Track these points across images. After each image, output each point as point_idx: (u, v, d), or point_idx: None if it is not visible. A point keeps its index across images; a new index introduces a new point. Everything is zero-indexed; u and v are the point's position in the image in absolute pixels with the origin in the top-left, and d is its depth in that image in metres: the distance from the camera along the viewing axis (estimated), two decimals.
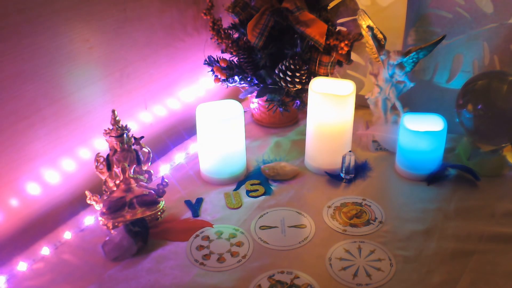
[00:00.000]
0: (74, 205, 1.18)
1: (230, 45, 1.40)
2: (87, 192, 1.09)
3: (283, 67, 1.31)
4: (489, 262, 1.01)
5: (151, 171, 1.15)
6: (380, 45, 1.31)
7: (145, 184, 1.14)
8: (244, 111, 1.25)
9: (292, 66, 1.30)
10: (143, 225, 1.06)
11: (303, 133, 1.34)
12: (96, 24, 1.15)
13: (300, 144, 1.39)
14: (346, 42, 1.35)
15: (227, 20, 1.43)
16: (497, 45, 1.32)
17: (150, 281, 0.98)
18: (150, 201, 1.12)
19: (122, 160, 1.10)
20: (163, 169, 1.31)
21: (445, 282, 0.97)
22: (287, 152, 1.39)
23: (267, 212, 1.16)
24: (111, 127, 1.08)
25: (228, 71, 1.41)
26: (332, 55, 1.36)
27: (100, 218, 1.10)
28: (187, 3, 1.39)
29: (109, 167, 1.10)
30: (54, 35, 1.06)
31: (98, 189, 1.14)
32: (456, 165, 1.27)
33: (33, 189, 1.09)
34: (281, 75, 1.32)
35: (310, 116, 1.27)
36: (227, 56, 1.43)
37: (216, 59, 1.43)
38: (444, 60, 1.39)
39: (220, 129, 1.19)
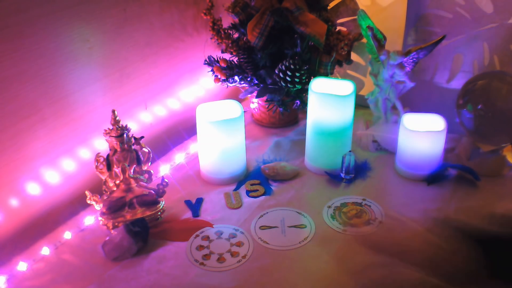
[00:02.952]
0: (74, 205, 1.18)
1: (230, 45, 1.40)
2: (87, 192, 1.09)
3: (283, 67, 1.31)
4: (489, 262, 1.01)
5: (151, 171, 1.15)
6: (380, 45, 1.31)
7: (145, 184, 1.14)
8: (244, 111, 1.25)
9: (292, 66, 1.30)
10: (143, 225, 1.06)
11: (303, 133, 1.34)
12: (96, 24, 1.15)
13: (300, 144, 1.39)
14: (346, 42, 1.35)
15: (227, 20, 1.43)
16: (497, 45, 1.32)
17: (150, 281, 0.98)
18: (150, 201, 1.12)
19: (122, 160, 1.10)
20: (163, 169, 1.31)
21: (445, 282, 0.97)
22: (287, 152, 1.39)
23: (267, 212, 1.16)
24: (111, 127, 1.08)
25: (228, 71, 1.41)
26: (332, 55, 1.36)
27: (100, 218, 1.10)
28: (187, 3, 1.39)
29: (109, 167, 1.10)
30: (54, 35, 1.06)
31: (98, 189, 1.14)
32: (456, 165, 1.27)
33: (33, 189, 1.09)
34: (281, 75, 1.32)
35: (310, 116, 1.27)
36: (227, 56, 1.43)
37: (216, 59, 1.43)
38: (444, 60, 1.39)
39: (220, 129, 1.19)
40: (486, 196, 1.20)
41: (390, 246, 1.05)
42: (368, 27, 1.30)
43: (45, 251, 1.05)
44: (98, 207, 1.10)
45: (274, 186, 1.25)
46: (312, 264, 1.02)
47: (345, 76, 1.58)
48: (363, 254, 1.04)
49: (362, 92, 1.56)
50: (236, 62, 1.42)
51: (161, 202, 1.14)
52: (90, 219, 1.14)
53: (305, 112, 1.29)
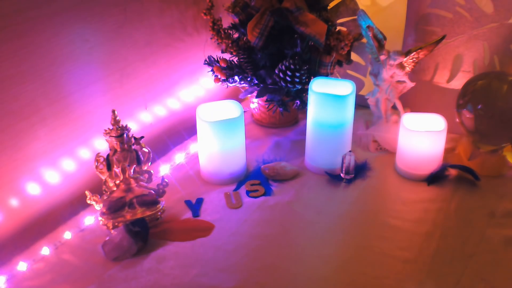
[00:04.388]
0: (74, 205, 1.18)
1: (230, 45, 1.40)
2: (87, 192, 1.09)
3: (283, 67, 1.31)
4: (489, 263, 1.01)
5: (151, 171, 1.15)
6: (380, 45, 1.31)
7: (145, 184, 1.14)
8: (244, 111, 1.25)
9: (292, 66, 1.30)
10: (143, 225, 1.06)
11: (303, 133, 1.34)
12: (96, 24, 1.15)
13: (300, 144, 1.39)
14: (346, 42, 1.35)
15: (227, 20, 1.43)
16: (497, 45, 1.32)
17: (150, 281, 0.98)
18: (150, 201, 1.12)
19: (122, 160, 1.10)
20: (163, 169, 1.31)
21: (445, 282, 0.97)
22: (287, 152, 1.39)
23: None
24: (111, 127, 1.08)
25: (228, 71, 1.41)
26: (332, 55, 1.36)
27: (100, 218, 1.10)
28: (187, 3, 1.39)
29: (109, 167, 1.10)
30: (54, 35, 1.06)
31: (98, 189, 1.14)
32: (456, 165, 1.27)
33: (33, 189, 1.09)
34: (281, 75, 1.32)
35: (310, 116, 1.27)
36: (227, 56, 1.43)
37: (216, 59, 1.43)
38: (444, 60, 1.39)
39: (220, 129, 1.19)
40: (486, 196, 1.20)
41: None
42: (368, 27, 1.30)
43: (45, 251, 1.05)
44: (98, 207, 1.10)
45: (274, 186, 1.25)
46: (312, 264, 1.02)
47: (345, 76, 1.58)
48: None
49: (362, 92, 1.56)
50: (236, 62, 1.42)
51: (161, 202, 1.14)
52: (90, 219, 1.14)
53: (305, 112, 1.29)
